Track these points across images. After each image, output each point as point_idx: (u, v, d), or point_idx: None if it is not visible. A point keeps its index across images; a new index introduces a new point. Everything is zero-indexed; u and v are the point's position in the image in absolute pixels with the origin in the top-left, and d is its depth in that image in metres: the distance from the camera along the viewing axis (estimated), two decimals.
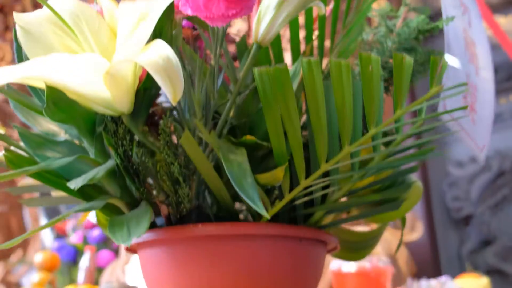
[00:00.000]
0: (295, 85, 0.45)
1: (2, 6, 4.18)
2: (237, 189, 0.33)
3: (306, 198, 0.42)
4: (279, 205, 0.41)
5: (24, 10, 4.13)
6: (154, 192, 0.44)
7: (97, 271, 1.90)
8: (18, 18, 0.39)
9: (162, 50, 0.33)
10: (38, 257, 1.62)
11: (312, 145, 0.37)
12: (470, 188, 1.85)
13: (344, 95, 0.29)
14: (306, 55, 0.44)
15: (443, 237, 1.88)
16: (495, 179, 1.80)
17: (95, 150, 0.44)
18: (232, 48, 0.57)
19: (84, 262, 1.61)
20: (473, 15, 0.65)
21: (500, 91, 1.91)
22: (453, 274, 1.52)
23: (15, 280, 2.85)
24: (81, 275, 1.57)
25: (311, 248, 0.46)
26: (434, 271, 1.77)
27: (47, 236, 2.80)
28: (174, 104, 0.32)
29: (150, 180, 0.46)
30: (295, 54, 0.48)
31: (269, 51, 0.48)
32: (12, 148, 0.45)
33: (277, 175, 0.37)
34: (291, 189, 0.41)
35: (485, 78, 0.64)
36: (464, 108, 0.31)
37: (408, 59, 0.29)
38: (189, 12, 0.31)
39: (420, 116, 0.33)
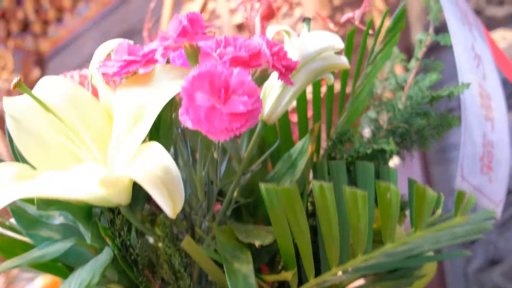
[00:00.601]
0: (302, 164, 0.42)
1: (3, 12, 4.16)
2: None
3: None
4: None
5: (26, 17, 4.11)
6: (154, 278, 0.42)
7: None
8: (7, 105, 0.36)
9: (160, 159, 0.30)
10: (38, 283, 1.59)
11: (322, 249, 0.35)
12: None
13: (360, 219, 0.27)
14: (315, 132, 0.41)
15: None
16: None
17: (92, 235, 0.41)
18: None
19: None
20: (487, 65, 0.62)
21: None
22: None
23: None
24: None
25: None
26: None
27: None
28: (173, 218, 0.29)
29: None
30: (303, 130, 0.45)
31: (276, 126, 0.45)
32: (3, 230, 0.43)
33: (286, 277, 0.35)
34: (300, 283, 0.38)
35: (500, 130, 0.61)
36: (492, 214, 0.29)
37: (431, 192, 0.26)
38: (189, 125, 0.28)
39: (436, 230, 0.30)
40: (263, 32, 0.65)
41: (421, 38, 0.57)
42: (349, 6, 1.48)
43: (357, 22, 0.54)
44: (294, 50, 0.40)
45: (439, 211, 0.38)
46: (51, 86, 0.38)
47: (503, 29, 2.00)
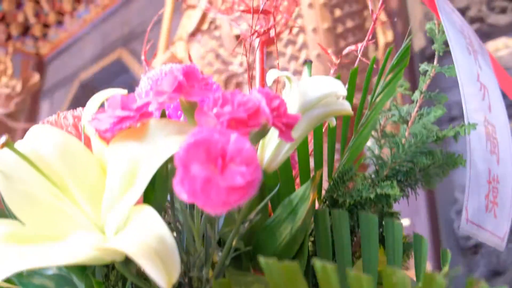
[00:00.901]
0: (303, 211, 0.41)
1: (3, 15, 4.15)
2: None
3: None
4: None
5: (26, 19, 4.10)
6: None
7: None
8: None
9: (153, 228, 0.29)
10: None
11: None
12: None
13: None
14: (316, 180, 0.40)
15: (451, 265, 1.83)
16: None
17: (86, 286, 0.40)
18: None
19: None
20: (492, 93, 0.61)
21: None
22: None
23: None
24: None
25: None
26: None
27: None
28: None
29: None
30: (304, 176, 0.44)
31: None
32: None
33: None
34: None
35: (505, 161, 0.59)
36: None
37: (440, 280, 0.25)
38: (184, 197, 0.27)
39: None
40: (262, 59, 0.63)
41: (425, 69, 0.56)
42: (349, 17, 1.47)
43: (359, 55, 0.52)
44: (295, 96, 0.38)
45: (445, 269, 0.37)
46: (42, 136, 0.37)
47: (505, 37, 1.99)
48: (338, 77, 0.44)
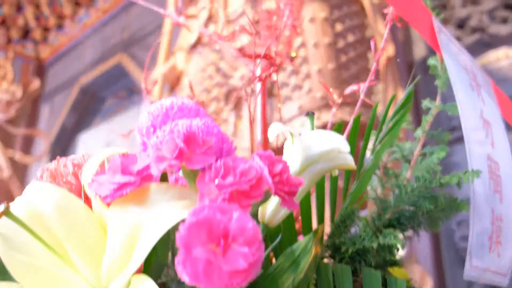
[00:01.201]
0: (305, 263, 0.40)
1: (3, 19, 4.15)
2: None
3: None
4: None
5: (26, 23, 4.10)
6: None
7: None
8: None
9: None
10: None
11: None
12: None
13: None
14: (319, 235, 0.40)
15: (452, 277, 1.83)
16: None
17: None
18: None
19: None
20: (495, 127, 0.60)
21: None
22: None
23: None
24: None
25: None
26: None
27: None
28: None
29: None
30: (306, 230, 0.43)
31: None
32: None
33: None
34: None
35: (509, 198, 0.59)
36: None
37: None
38: (186, 279, 0.27)
39: None
40: (264, 89, 0.63)
41: (428, 106, 0.55)
42: (350, 31, 1.46)
43: (362, 96, 0.52)
44: (297, 151, 0.38)
45: None
46: (42, 194, 0.36)
47: (506, 47, 1.98)
48: (340, 126, 0.43)
